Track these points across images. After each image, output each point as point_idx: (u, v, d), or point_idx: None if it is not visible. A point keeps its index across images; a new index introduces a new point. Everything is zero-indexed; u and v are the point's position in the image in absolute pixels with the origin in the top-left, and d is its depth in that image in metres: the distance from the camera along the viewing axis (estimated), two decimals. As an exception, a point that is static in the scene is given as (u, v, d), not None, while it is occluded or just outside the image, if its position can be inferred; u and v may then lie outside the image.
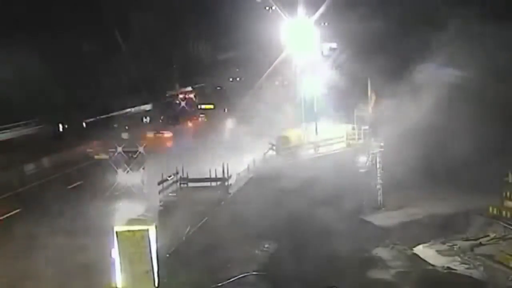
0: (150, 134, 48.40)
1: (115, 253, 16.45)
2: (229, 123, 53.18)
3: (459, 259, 35.34)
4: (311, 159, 41.82)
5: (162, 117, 59.74)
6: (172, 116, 61.61)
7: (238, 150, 39.68)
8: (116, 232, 16.34)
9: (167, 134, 50.29)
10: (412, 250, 36.28)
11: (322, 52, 48.52)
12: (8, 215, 30.74)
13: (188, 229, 24.77)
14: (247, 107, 53.77)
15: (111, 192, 32.74)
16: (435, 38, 59.95)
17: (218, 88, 76.66)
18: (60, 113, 58.89)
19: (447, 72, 55.53)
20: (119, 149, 34.30)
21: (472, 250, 37.16)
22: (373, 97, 44.24)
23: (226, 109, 64.36)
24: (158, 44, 78.85)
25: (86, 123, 58.80)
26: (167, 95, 77.40)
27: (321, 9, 44.61)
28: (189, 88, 79.38)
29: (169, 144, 48.18)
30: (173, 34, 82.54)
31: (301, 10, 44.20)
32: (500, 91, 52.86)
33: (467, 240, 39.10)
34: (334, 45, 65.30)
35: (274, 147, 41.84)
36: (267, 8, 51.50)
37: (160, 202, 28.39)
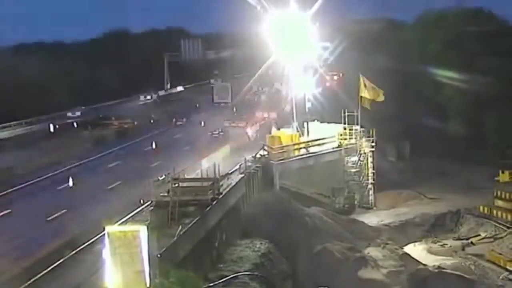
0: None
1: (106, 253, 16.37)
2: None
3: (450, 258, 35.52)
4: (302, 159, 41.81)
5: None
6: None
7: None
8: (108, 233, 16.27)
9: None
10: (403, 249, 36.43)
11: (314, 51, 48.30)
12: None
13: (179, 229, 24.68)
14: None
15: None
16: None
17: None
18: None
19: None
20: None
21: (463, 249, 37.36)
22: (370, 91, 44.13)
23: None
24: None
25: (77, 123, 58.75)
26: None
27: (313, 9, 44.47)
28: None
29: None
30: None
31: (293, 9, 44.07)
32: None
33: (458, 239, 39.30)
34: (326, 44, 65.23)
35: (265, 147, 41.75)
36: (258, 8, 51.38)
37: (152, 202, 28.30)
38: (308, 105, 48.05)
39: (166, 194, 27.52)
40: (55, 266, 21.63)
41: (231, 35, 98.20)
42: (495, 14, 61.95)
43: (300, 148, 43.23)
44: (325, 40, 59.35)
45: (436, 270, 31.87)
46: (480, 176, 48.78)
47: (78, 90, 78.19)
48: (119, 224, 20.26)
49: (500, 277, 32.83)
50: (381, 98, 44.71)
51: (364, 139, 44.64)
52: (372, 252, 33.96)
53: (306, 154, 42.80)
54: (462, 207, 42.44)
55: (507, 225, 38.66)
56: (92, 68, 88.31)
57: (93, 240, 23.01)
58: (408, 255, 34.92)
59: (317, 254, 31.45)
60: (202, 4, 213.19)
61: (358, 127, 44.52)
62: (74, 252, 23.02)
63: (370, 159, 45.07)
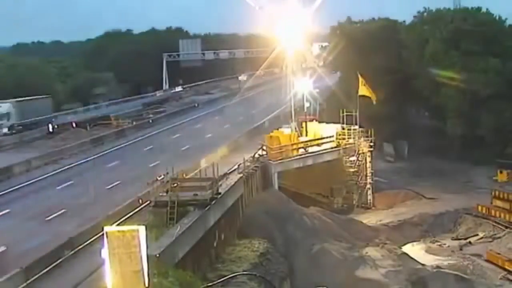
0: None
1: (104, 253, 16.40)
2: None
3: (448, 258, 35.53)
4: (301, 159, 41.82)
5: None
6: None
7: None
8: (106, 233, 16.29)
9: None
10: (402, 249, 36.46)
11: (312, 51, 48.42)
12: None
13: (178, 229, 24.70)
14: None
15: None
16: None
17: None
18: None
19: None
20: None
21: (461, 249, 37.38)
22: (365, 90, 44.33)
23: None
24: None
25: (76, 123, 58.74)
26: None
27: (312, 9, 44.61)
28: None
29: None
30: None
31: (292, 9, 44.15)
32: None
33: (456, 239, 39.32)
34: (325, 43, 65.43)
35: (264, 147, 41.75)
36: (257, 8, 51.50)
37: (151, 202, 28.32)
38: (306, 104, 48.13)
39: (165, 194, 27.56)
40: (53, 266, 21.70)
41: (230, 35, 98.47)
42: (494, 14, 61.98)
43: (299, 148, 43.23)
44: (323, 39, 59.37)
45: (435, 270, 31.89)
46: (478, 176, 48.89)
47: (77, 90, 78.52)
48: (118, 224, 20.27)
49: (499, 277, 32.86)
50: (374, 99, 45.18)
51: (362, 139, 44.66)
52: (371, 252, 33.97)
53: (305, 154, 42.80)
54: (461, 207, 42.51)
55: (505, 224, 38.75)
56: (91, 68, 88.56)
57: (91, 240, 23.09)
58: (407, 255, 34.94)
59: (315, 254, 31.49)
60: (201, 4, 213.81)
61: (356, 127, 44.55)
62: (72, 252, 23.07)
63: (368, 159, 45.11)
